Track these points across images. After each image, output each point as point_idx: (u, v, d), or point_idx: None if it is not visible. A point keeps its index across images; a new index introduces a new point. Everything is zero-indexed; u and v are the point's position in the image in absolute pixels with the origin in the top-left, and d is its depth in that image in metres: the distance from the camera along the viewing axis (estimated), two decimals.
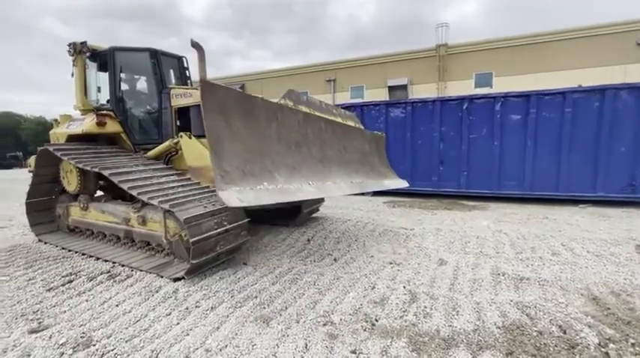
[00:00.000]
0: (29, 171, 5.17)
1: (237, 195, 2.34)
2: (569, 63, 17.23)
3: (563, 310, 2.52)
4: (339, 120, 4.33)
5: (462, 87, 18.61)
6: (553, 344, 2.10)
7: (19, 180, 14.78)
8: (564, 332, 2.23)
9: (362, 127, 5.05)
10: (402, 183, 5.13)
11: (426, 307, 2.61)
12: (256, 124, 2.87)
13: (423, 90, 19.61)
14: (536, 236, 4.65)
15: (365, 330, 2.31)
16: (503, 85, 17.70)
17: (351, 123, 4.67)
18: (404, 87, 20.60)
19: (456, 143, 7.71)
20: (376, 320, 2.43)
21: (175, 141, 4.37)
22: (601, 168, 6.62)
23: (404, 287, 2.98)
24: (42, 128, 38.46)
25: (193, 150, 4.18)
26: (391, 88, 20.76)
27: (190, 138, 4.15)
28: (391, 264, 3.62)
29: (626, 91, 6.42)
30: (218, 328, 2.38)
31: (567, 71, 17.04)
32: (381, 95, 20.25)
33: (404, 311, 2.56)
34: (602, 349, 2.05)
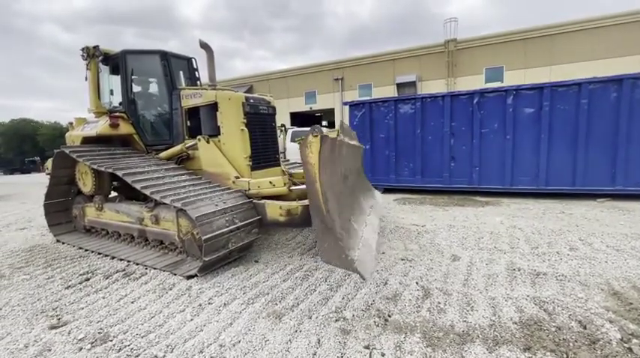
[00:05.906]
0: (46, 174, 5.31)
1: (363, 263, 2.21)
2: (584, 54, 16.75)
3: (582, 305, 2.45)
4: (351, 141, 4.34)
5: (472, 82, 18.31)
6: (573, 340, 2.04)
7: (38, 183, 15.22)
8: (584, 328, 2.16)
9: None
10: (379, 193, 5.41)
11: (439, 303, 2.57)
12: (336, 168, 2.76)
13: (432, 87, 19.39)
14: (553, 231, 4.53)
15: (378, 326, 2.29)
16: (514, 79, 17.34)
17: (355, 141, 4.70)
18: (412, 84, 20.40)
19: (467, 138, 7.57)
20: (389, 316, 2.41)
21: (188, 145, 4.42)
22: (620, 160, 6.40)
23: (417, 283, 2.95)
24: (58, 133, 39.61)
25: (211, 156, 4.22)
26: (400, 85, 20.59)
27: (208, 142, 4.20)
28: (403, 260, 3.58)
29: None
30: (231, 324, 2.40)
31: (582, 63, 16.58)
32: (390, 92, 20.10)
33: (417, 307, 2.52)
34: (625, 344, 1.98)
